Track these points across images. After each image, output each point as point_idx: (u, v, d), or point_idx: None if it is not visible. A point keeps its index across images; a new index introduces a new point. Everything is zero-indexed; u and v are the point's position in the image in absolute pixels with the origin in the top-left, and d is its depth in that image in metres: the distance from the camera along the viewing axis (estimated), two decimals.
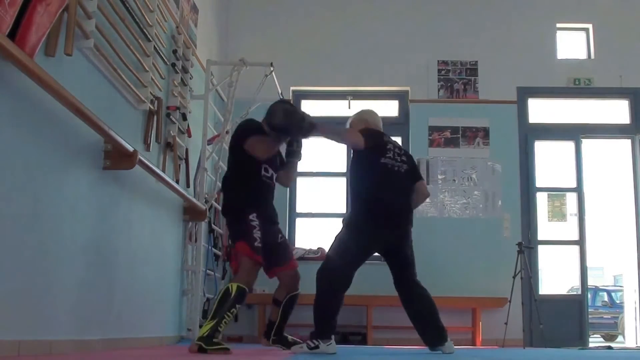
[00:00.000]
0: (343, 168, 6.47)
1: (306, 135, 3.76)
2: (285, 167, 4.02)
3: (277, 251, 3.93)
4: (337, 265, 3.71)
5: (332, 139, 4.00)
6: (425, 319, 3.88)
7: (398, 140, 6.57)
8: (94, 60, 3.23)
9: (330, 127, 4.01)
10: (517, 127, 6.56)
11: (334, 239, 3.90)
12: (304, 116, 3.71)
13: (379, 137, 3.98)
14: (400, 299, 3.96)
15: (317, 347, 3.58)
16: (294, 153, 3.93)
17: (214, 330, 3.39)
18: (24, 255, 2.59)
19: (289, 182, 4.19)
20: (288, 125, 3.65)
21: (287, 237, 6.34)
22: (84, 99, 2.86)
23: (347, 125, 4.16)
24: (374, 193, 3.81)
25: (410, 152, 6.51)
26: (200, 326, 4.94)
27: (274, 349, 4.03)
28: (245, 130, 3.85)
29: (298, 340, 4.08)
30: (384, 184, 3.83)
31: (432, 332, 3.86)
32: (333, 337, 3.65)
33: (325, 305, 3.67)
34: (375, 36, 6.73)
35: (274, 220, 3.99)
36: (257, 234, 3.67)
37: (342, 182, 6.44)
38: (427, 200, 6.35)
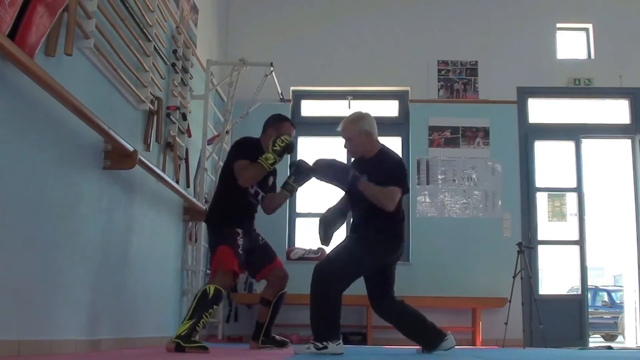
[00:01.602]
0: None
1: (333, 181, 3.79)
2: (276, 195, 4.10)
3: (261, 253, 4.09)
4: (340, 272, 3.60)
5: (371, 197, 3.72)
6: (417, 324, 3.83)
7: (398, 140, 6.61)
8: (94, 60, 3.23)
9: (370, 185, 3.68)
10: (517, 127, 6.56)
11: (341, 242, 3.78)
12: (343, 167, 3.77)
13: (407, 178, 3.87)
14: (384, 317, 3.88)
15: (325, 347, 3.46)
16: (291, 188, 4.01)
17: (192, 330, 3.40)
18: (23, 255, 2.59)
19: (271, 211, 4.16)
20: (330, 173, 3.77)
21: (287, 237, 6.45)
22: (84, 99, 2.86)
23: (343, 132, 3.85)
24: (402, 221, 3.78)
25: (410, 152, 6.63)
26: None
27: (273, 350, 4.04)
28: (238, 151, 3.93)
29: (285, 339, 4.21)
30: (402, 214, 3.82)
31: (429, 334, 3.82)
32: (341, 337, 3.59)
33: (330, 307, 3.60)
34: (375, 36, 6.74)
35: (253, 229, 4.10)
36: (240, 241, 3.79)
37: None
38: (427, 200, 6.47)
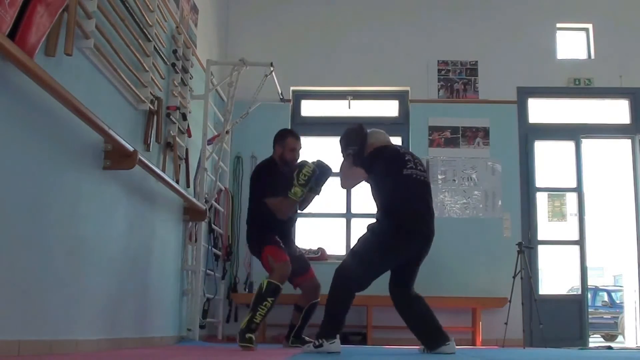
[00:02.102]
0: None
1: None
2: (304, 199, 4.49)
3: (296, 262, 4.41)
4: (357, 272, 3.73)
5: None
6: (425, 322, 3.86)
7: (398, 140, 6.60)
8: (94, 60, 3.23)
9: (344, 164, 4.16)
10: (517, 127, 6.56)
11: (357, 241, 3.89)
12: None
13: (390, 153, 3.94)
14: (395, 306, 3.96)
15: (321, 345, 3.65)
16: (315, 190, 4.44)
17: (250, 322, 3.94)
18: (23, 255, 2.59)
19: (302, 209, 4.73)
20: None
21: None
22: (84, 99, 2.86)
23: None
24: (405, 207, 3.79)
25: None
26: (201, 326, 5.10)
27: (277, 349, 4.13)
28: (262, 185, 4.37)
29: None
30: (413, 197, 3.81)
31: (433, 334, 3.85)
32: (338, 336, 3.68)
33: (338, 306, 3.71)
34: (375, 36, 6.73)
35: (291, 238, 4.62)
36: (279, 238, 4.30)
37: None
38: None
